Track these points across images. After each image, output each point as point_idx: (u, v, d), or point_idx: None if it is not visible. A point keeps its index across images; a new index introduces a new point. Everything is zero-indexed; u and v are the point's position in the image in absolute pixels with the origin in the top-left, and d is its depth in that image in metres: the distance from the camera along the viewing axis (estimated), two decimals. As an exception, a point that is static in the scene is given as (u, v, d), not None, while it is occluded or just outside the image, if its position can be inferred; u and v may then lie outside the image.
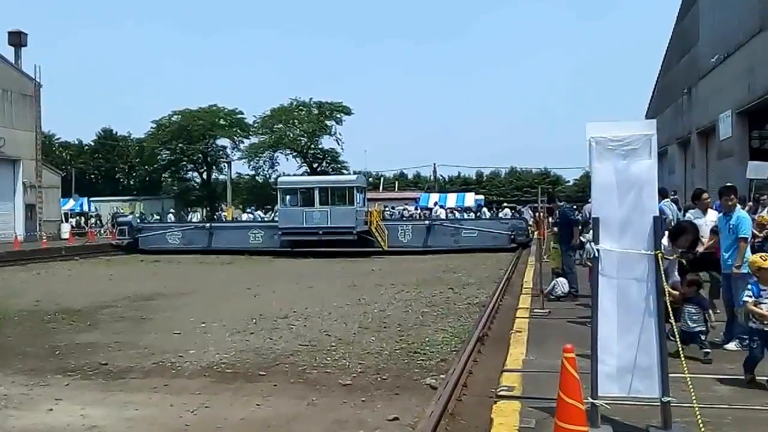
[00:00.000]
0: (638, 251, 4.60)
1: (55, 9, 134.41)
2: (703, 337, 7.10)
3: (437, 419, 5.62)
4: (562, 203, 18.06)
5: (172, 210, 51.87)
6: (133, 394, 7.43)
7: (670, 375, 4.65)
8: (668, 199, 12.81)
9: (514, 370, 6.72)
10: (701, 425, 4.24)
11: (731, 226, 7.65)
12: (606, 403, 4.70)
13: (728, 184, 8.66)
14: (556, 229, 15.57)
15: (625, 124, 4.87)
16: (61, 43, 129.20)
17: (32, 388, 7.72)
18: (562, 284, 12.21)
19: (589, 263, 11.59)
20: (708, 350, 6.98)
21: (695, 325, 7.12)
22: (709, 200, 10.03)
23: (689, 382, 4.51)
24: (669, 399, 4.53)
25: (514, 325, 9.40)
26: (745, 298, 6.05)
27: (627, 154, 4.64)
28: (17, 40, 40.43)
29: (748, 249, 7.69)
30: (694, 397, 4.41)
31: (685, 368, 4.58)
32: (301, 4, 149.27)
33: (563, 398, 3.95)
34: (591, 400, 4.55)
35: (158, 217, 45.68)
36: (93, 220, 49.02)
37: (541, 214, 20.98)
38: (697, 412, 4.30)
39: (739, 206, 8.00)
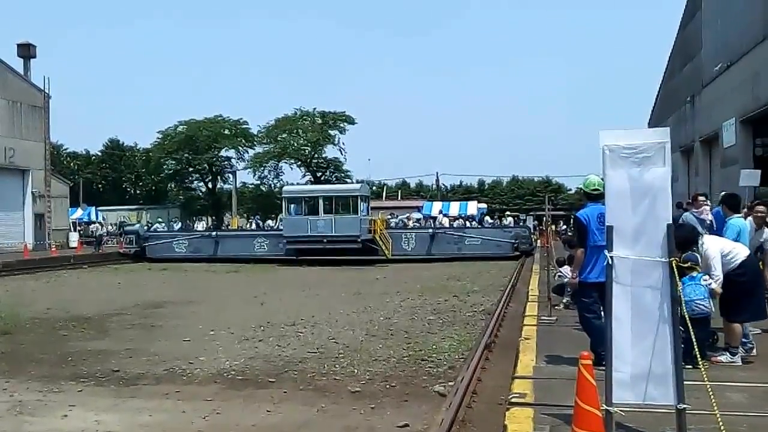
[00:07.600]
0: (652, 258, 4.63)
1: (62, 20, 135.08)
2: None
3: (449, 426, 5.60)
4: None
5: (159, 218, 52.26)
6: (145, 400, 7.48)
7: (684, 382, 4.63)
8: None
9: (525, 377, 6.70)
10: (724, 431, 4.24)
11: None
12: (620, 410, 4.71)
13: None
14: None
15: (639, 132, 4.91)
16: (68, 54, 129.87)
17: (46, 395, 7.76)
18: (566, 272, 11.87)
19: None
20: None
21: None
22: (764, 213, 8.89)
23: (709, 389, 4.50)
24: (684, 406, 4.51)
25: (522, 332, 9.37)
26: None
27: (641, 162, 4.66)
28: (26, 52, 40.82)
29: None
30: (714, 404, 4.40)
31: (705, 375, 4.57)
32: (304, 11, 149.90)
33: (580, 404, 3.96)
34: (605, 407, 4.55)
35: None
36: (102, 230, 48.95)
37: (546, 222, 21.05)
38: (719, 419, 4.30)
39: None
